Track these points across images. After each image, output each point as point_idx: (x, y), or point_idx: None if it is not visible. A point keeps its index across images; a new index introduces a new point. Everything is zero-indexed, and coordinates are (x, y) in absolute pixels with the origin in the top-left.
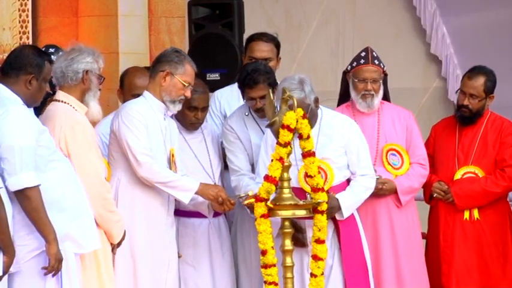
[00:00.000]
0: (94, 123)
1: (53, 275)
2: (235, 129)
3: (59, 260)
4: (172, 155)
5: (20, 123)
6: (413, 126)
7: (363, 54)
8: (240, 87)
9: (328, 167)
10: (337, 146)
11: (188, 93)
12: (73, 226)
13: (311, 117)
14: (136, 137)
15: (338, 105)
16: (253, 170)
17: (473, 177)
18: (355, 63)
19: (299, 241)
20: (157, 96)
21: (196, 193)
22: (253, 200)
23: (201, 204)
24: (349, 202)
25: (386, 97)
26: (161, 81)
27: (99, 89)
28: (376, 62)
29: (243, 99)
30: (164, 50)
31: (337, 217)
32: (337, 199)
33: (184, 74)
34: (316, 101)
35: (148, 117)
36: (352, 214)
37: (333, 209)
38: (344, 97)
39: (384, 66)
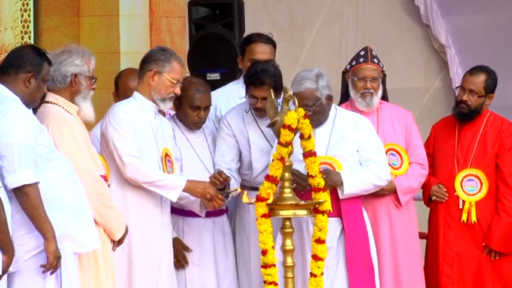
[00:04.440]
0: (86, 124)
1: (51, 273)
2: (232, 124)
3: (58, 258)
4: (166, 155)
5: (19, 121)
6: (413, 126)
7: (362, 53)
8: (245, 82)
9: (338, 165)
10: (350, 144)
11: (178, 90)
12: (72, 226)
13: (319, 112)
14: (123, 139)
15: (339, 105)
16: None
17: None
18: (354, 62)
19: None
20: (147, 96)
21: (183, 190)
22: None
23: (193, 203)
24: (352, 179)
25: (384, 97)
26: (149, 81)
27: (93, 89)
28: (376, 60)
29: (245, 94)
30: (150, 49)
31: (339, 194)
32: (340, 174)
33: (172, 71)
34: (329, 98)
35: (136, 117)
36: (362, 215)
37: (334, 182)
38: (344, 97)
39: (382, 66)
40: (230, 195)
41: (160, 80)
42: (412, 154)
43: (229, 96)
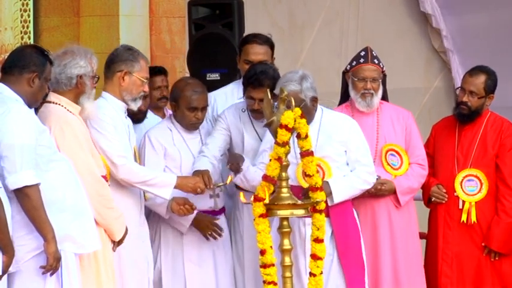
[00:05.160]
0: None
1: (51, 274)
2: (229, 120)
3: (57, 259)
4: (136, 154)
5: (21, 122)
6: (413, 126)
7: (363, 53)
8: (243, 83)
9: (326, 165)
10: (337, 145)
11: (146, 88)
12: (73, 226)
13: (304, 113)
14: (110, 140)
15: (339, 105)
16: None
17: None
18: (354, 63)
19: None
20: (117, 96)
21: (175, 187)
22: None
23: (159, 206)
24: (341, 186)
25: (384, 97)
26: (120, 82)
27: (95, 87)
28: (376, 61)
29: (243, 95)
30: (115, 49)
31: (329, 202)
32: (328, 182)
33: (141, 70)
34: (314, 100)
35: (114, 117)
36: (352, 213)
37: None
38: (344, 97)
39: (383, 66)
40: (219, 188)
41: (131, 80)
42: (412, 154)
43: (228, 97)
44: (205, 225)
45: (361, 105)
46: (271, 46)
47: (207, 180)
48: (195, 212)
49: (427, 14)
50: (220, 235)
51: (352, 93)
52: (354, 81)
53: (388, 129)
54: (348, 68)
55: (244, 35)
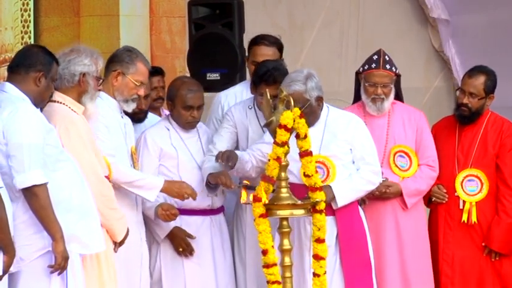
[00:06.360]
0: None
1: (59, 274)
2: (236, 117)
3: (66, 258)
4: (133, 153)
5: (28, 121)
6: (424, 127)
7: (375, 57)
8: (255, 80)
9: (331, 164)
10: (343, 143)
11: (141, 92)
12: (79, 227)
13: (309, 113)
14: (101, 140)
15: (352, 103)
16: None
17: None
18: (366, 66)
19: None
20: (112, 96)
21: (161, 190)
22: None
23: (148, 210)
24: (344, 190)
25: (399, 97)
26: (113, 81)
27: (99, 89)
28: (388, 66)
29: (254, 91)
30: (117, 49)
31: (333, 206)
32: (330, 186)
33: (136, 73)
34: (319, 99)
35: (108, 116)
36: (358, 212)
37: (326, 201)
38: (357, 96)
39: (396, 69)
40: (239, 188)
41: (124, 81)
42: (423, 155)
43: (238, 98)
44: (178, 242)
45: (371, 109)
46: (280, 48)
47: (228, 181)
48: (172, 225)
49: (430, 17)
50: (191, 254)
51: (363, 96)
52: (365, 85)
53: (399, 130)
54: (360, 70)
55: (245, 35)
